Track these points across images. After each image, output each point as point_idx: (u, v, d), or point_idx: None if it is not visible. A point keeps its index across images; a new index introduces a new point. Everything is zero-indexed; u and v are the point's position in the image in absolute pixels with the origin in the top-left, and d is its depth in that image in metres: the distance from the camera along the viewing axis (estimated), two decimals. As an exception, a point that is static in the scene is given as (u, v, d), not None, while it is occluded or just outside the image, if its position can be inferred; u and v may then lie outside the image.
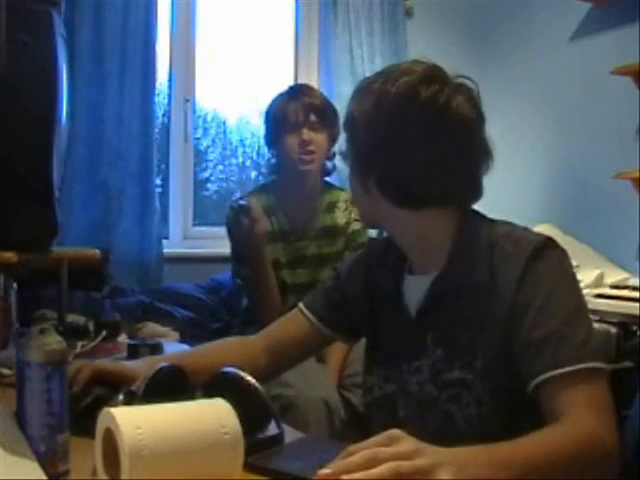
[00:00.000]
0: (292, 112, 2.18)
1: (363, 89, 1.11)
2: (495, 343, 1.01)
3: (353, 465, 0.70)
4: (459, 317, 1.06)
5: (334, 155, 2.35)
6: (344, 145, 1.15)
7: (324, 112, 2.22)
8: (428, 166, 1.05)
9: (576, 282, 1.05)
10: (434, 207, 1.09)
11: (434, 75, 1.07)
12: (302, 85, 2.51)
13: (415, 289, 1.13)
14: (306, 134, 2.17)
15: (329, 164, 2.32)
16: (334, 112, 2.28)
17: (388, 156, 1.06)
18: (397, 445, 0.74)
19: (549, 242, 1.05)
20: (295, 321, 1.28)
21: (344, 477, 0.69)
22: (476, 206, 1.15)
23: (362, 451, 0.72)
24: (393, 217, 1.11)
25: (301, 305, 1.28)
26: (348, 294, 1.25)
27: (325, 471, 0.71)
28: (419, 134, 1.05)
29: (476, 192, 1.11)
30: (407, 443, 0.74)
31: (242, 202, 2.10)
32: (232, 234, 2.22)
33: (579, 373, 0.93)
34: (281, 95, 2.26)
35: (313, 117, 2.19)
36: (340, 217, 2.28)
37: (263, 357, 1.25)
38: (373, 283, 1.21)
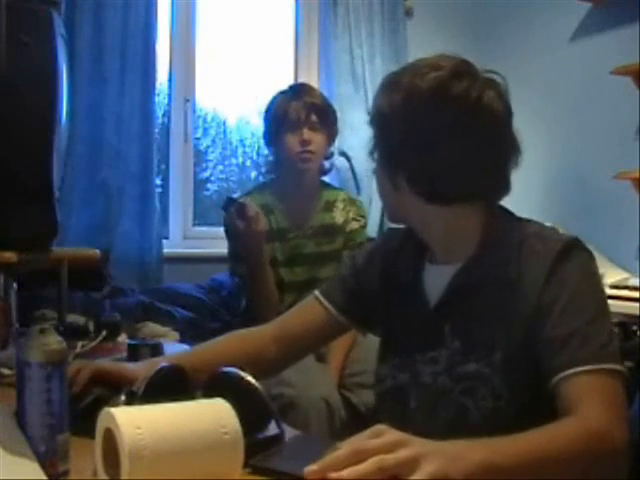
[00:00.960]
0: (293, 111, 2.18)
1: (391, 83, 1.09)
2: (517, 339, 1.01)
3: (338, 460, 0.71)
4: (480, 310, 1.06)
5: (332, 155, 2.36)
6: (370, 141, 1.13)
7: (324, 112, 2.23)
8: (460, 161, 1.05)
9: (601, 284, 1.06)
10: (464, 202, 1.08)
11: (464, 70, 1.07)
12: (303, 84, 2.51)
13: (436, 279, 1.13)
14: (306, 134, 2.18)
15: (326, 164, 2.33)
16: (333, 112, 2.29)
17: (419, 152, 1.06)
18: (381, 438, 0.74)
19: (577, 243, 1.05)
20: (311, 309, 1.26)
21: (333, 476, 0.69)
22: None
23: (347, 446, 0.72)
24: (422, 212, 1.10)
25: (317, 293, 1.27)
26: (365, 283, 1.24)
27: (312, 468, 0.71)
28: (451, 129, 1.05)
29: (505, 187, 1.11)
30: (391, 435, 0.74)
31: (240, 200, 2.10)
32: (230, 232, 2.22)
33: (598, 373, 0.94)
34: (282, 93, 2.26)
35: (314, 117, 2.19)
36: (338, 216, 2.29)
37: (273, 347, 1.24)
38: (390, 272, 1.21)
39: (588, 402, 0.90)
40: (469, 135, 1.05)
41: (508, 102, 1.09)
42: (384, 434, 0.75)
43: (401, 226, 1.21)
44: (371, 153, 1.14)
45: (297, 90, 2.30)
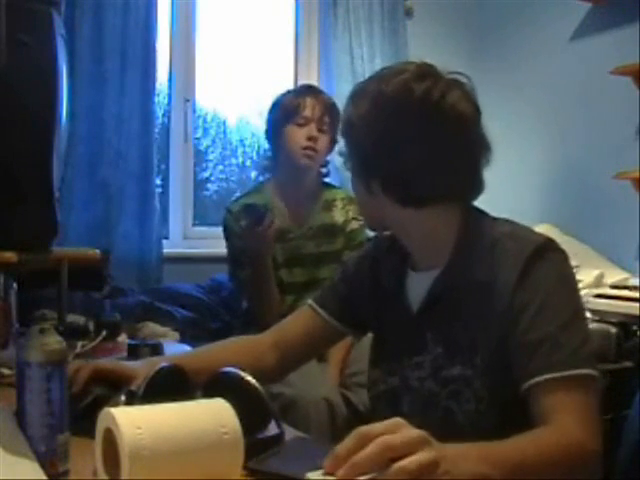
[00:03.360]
0: (309, 106, 2.18)
1: (358, 92, 1.11)
2: (493, 340, 1.02)
3: (368, 459, 0.69)
4: (460, 314, 1.06)
5: (328, 163, 2.35)
6: (343, 149, 1.15)
7: (335, 115, 2.23)
8: (429, 163, 1.05)
9: (575, 285, 1.05)
10: (438, 204, 1.09)
11: (426, 72, 1.08)
12: (315, 86, 2.52)
13: (418, 286, 1.13)
14: (315, 131, 2.18)
15: (324, 170, 2.33)
16: (339, 118, 2.29)
17: (389, 156, 1.06)
18: (403, 432, 0.73)
19: (550, 243, 1.05)
20: (305, 317, 1.28)
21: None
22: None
23: (374, 442, 0.71)
24: (398, 217, 1.11)
25: (311, 301, 1.28)
26: (355, 288, 1.25)
27: (341, 472, 0.69)
28: (417, 131, 1.05)
29: (478, 187, 1.12)
30: (414, 431, 0.74)
31: (260, 210, 2.06)
32: (230, 237, 2.22)
33: (570, 378, 0.94)
34: (296, 89, 2.27)
35: (326, 117, 2.20)
36: (338, 216, 2.28)
37: (272, 355, 1.25)
38: (378, 278, 1.22)
39: (562, 412, 0.91)
40: (436, 136, 1.05)
41: (475, 101, 1.09)
42: (405, 428, 0.74)
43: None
44: (345, 163, 1.15)
45: (312, 88, 2.31)
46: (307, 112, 2.18)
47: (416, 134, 1.05)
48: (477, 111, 1.09)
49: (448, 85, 1.07)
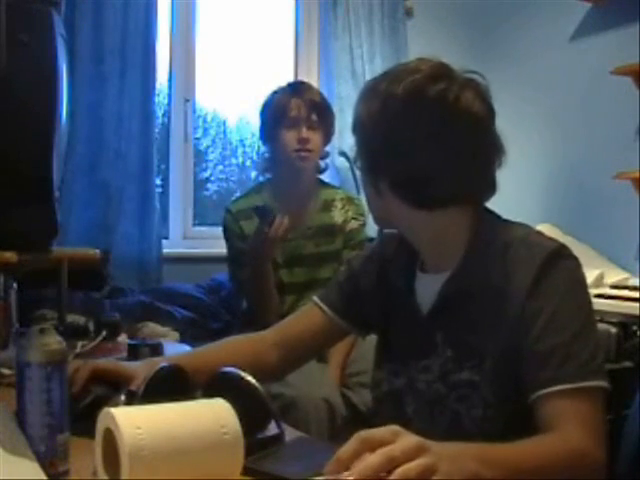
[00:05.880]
0: (294, 107, 2.17)
1: (369, 91, 1.09)
2: (503, 346, 1.01)
3: (373, 470, 0.69)
4: (470, 318, 1.05)
5: (327, 154, 2.35)
6: (354, 147, 1.13)
7: (324, 111, 2.22)
8: (440, 165, 1.04)
9: (587, 293, 1.03)
10: (448, 206, 1.07)
11: (441, 73, 1.06)
12: (302, 82, 2.50)
13: (427, 288, 1.12)
14: (305, 132, 2.17)
15: (322, 163, 2.32)
16: (331, 112, 2.28)
17: (398, 157, 1.05)
18: (401, 441, 0.73)
19: (564, 250, 1.03)
20: (309, 314, 1.27)
21: None
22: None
23: (377, 454, 0.71)
24: (407, 218, 1.10)
25: (315, 298, 1.27)
26: (362, 288, 1.24)
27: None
28: (429, 133, 1.03)
29: (490, 189, 1.10)
30: (412, 439, 0.74)
31: (270, 212, 2.04)
32: (230, 237, 2.21)
33: (580, 392, 0.94)
34: (282, 90, 2.25)
35: (314, 115, 2.19)
36: (337, 216, 2.28)
37: (274, 352, 1.25)
38: (386, 279, 1.21)
39: (570, 421, 0.91)
40: (449, 138, 1.04)
41: (489, 102, 1.07)
42: (403, 436, 0.74)
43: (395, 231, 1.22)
44: (355, 160, 1.14)
45: (297, 87, 2.29)
46: (293, 113, 2.17)
47: (427, 136, 1.03)
48: (490, 112, 1.07)
49: (462, 86, 1.05)
